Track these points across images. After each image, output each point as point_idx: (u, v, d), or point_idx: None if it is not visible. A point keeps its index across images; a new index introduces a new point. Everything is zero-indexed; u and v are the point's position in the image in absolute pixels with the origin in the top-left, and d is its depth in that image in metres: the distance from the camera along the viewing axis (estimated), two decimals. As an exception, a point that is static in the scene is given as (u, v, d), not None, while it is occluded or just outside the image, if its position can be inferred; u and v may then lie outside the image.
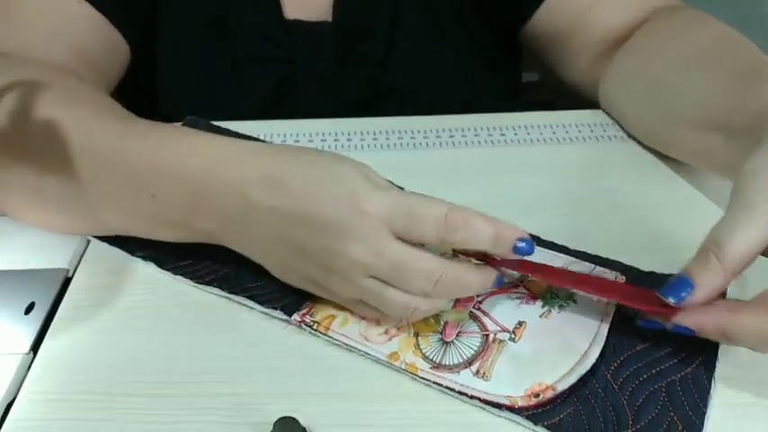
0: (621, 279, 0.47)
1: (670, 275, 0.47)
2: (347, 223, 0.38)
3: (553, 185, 0.57)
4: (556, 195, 0.56)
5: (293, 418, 0.37)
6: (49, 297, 0.44)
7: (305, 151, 0.42)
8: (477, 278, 0.40)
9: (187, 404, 0.39)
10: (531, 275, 0.45)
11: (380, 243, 0.38)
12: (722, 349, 0.41)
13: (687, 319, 0.38)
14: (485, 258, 0.42)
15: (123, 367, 0.41)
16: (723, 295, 0.40)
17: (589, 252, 0.49)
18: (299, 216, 0.39)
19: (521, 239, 0.39)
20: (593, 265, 0.48)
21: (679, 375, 0.40)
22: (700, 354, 0.41)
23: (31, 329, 0.42)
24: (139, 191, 0.43)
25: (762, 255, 0.38)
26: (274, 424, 0.36)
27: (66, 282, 0.46)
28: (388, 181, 0.42)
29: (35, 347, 0.42)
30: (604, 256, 0.49)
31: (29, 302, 0.44)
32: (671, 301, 0.38)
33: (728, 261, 0.37)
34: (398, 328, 0.43)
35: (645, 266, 0.48)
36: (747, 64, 0.51)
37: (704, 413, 0.39)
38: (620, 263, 0.48)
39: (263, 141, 0.43)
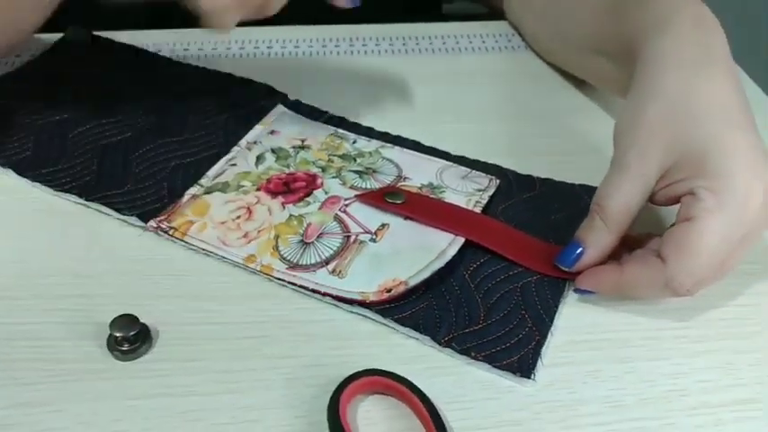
0: (496, 182, 0.46)
1: (547, 180, 0.47)
2: None
3: (452, 95, 0.55)
4: (455, 104, 0.55)
5: (132, 315, 0.36)
6: None
7: None
8: None
9: (30, 306, 0.37)
10: (417, 217, 0.43)
11: None
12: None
13: (584, 282, 0.39)
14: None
15: (-33, 273, 0.39)
16: None
17: (469, 157, 0.49)
18: None
19: None
20: (469, 169, 0.47)
21: (535, 278, 0.40)
22: None
23: None
24: None
25: (649, 201, 0.39)
26: (111, 322, 0.35)
27: None
28: None
29: None
30: (499, 162, 0.48)
31: None
32: (564, 267, 0.39)
33: (611, 220, 0.38)
34: (259, 232, 0.42)
35: (537, 171, 0.47)
36: None
37: (555, 311, 0.39)
38: (497, 166, 0.48)
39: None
